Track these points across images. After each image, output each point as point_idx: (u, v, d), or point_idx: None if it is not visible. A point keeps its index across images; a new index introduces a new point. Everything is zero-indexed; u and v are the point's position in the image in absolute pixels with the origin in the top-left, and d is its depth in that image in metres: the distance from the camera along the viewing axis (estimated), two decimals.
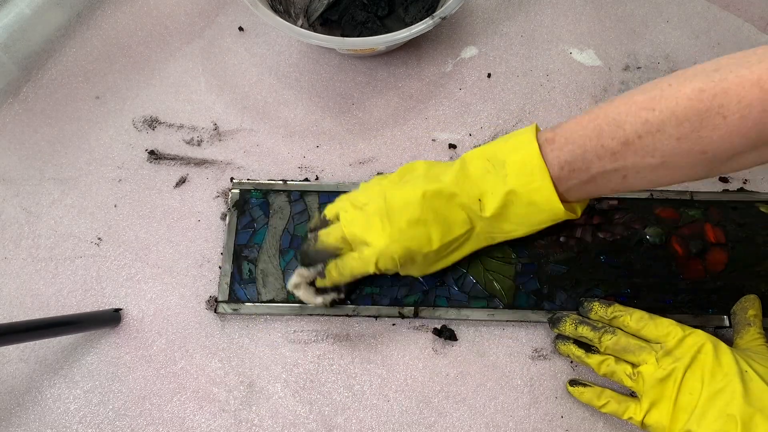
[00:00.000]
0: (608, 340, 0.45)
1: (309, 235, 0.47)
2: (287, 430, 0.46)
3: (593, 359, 0.46)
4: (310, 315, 0.50)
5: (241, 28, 0.62)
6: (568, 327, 0.47)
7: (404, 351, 0.49)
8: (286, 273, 0.51)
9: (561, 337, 0.48)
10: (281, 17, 0.53)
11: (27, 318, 0.45)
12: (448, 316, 0.49)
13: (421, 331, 0.49)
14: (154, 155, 0.56)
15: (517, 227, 0.44)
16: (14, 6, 0.56)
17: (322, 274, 0.46)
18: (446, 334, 0.49)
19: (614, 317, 0.46)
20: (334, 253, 0.46)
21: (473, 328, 0.50)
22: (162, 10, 0.63)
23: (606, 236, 0.52)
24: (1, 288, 0.51)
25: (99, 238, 0.53)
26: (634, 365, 0.44)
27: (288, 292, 0.49)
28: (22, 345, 0.49)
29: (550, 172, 0.40)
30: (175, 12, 0.63)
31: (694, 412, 0.40)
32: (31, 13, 0.57)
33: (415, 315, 0.49)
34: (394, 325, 0.50)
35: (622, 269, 0.51)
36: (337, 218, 0.46)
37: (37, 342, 0.49)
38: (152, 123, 0.58)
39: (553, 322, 0.48)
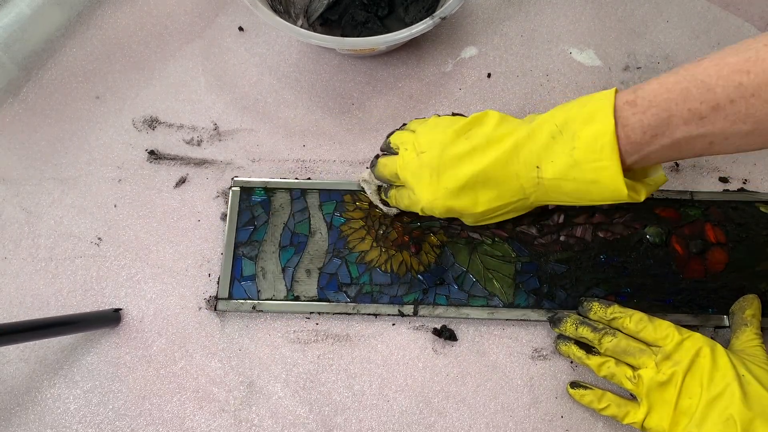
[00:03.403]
0: (608, 342, 0.45)
1: (377, 155, 0.49)
2: (287, 430, 0.46)
3: (593, 361, 0.46)
4: (310, 314, 0.50)
5: (241, 28, 0.62)
6: (568, 327, 0.47)
7: (404, 351, 0.49)
8: (285, 270, 0.51)
9: (562, 337, 0.48)
10: (281, 17, 0.53)
11: (27, 318, 0.45)
12: (448, 314, 0.49)
13: (421, 331, 0.49)
14: (154, 155, 0.56)
15: (572, 200, 0.42)
16: (14, 6, 0.56)
17: (386, 193, 0.50)
18: (446, 334, 0.49)
19: (613, 318, 0.46)
20: (390, 182, 0.49)
21: (473, 328, 0.50)
22: (162, 10, 0.63)
23: (606, 235, 0.52)
24: (1, 288, 0.51)
25: (99, 238, 0.53)
26: (634, 368, 0.44)
27: (290, 291, 0.50)
28: (22, 345, 0.49)
29: (631, 137, 0.38)
30: (175, 12, 0.63)
31: (694, 416, 0.40)
32: (31, 13, 0.57)
33: (415, 313, 0.49)
34: (393, 324, 0.50)
35: (622, 268, 0.51)
36: (397, 150, 0.47)
37: (37, 342, 0.49)
38: (152, 123, 0.58)
39: (554, 322, 0.48)
